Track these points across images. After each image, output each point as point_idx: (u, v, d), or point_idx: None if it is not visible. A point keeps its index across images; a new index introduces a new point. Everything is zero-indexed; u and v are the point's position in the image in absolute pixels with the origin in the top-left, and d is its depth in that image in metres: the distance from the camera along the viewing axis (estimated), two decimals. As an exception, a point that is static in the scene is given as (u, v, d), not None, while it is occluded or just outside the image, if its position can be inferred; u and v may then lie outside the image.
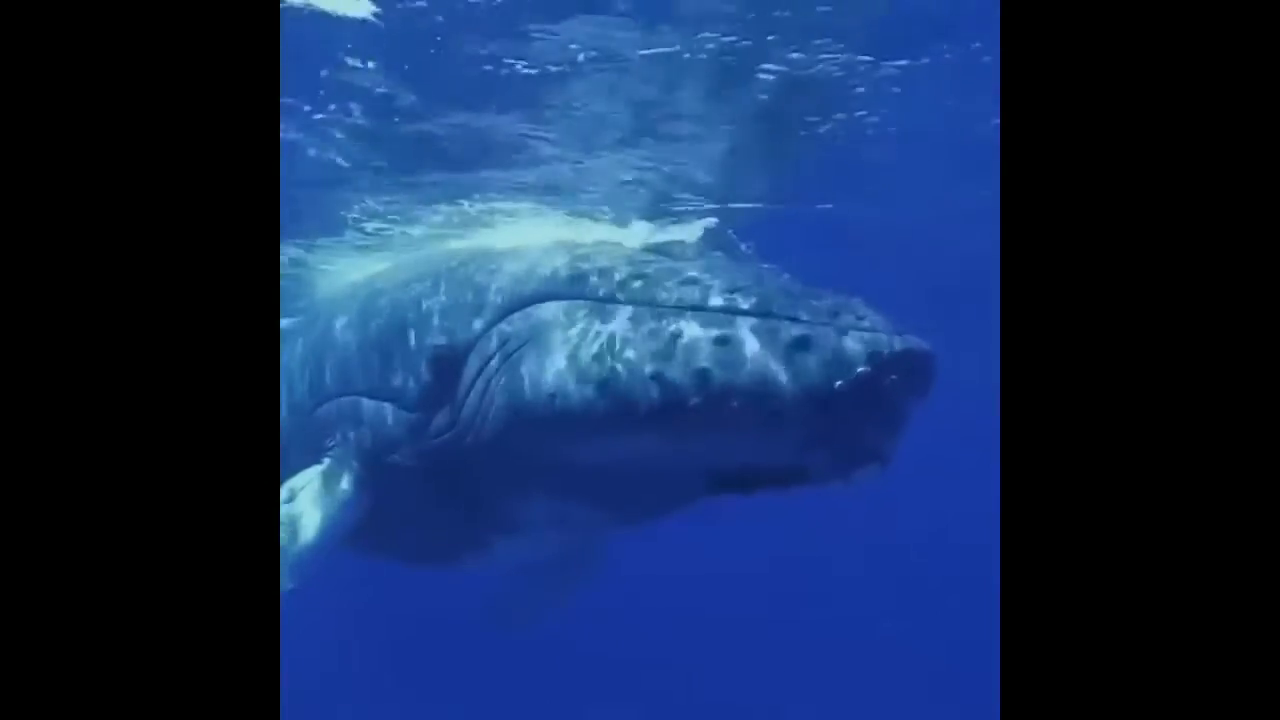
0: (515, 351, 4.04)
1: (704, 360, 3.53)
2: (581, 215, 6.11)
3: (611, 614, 7.83)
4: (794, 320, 3.51)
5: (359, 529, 4.90)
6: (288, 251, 6.82)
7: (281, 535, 4.72)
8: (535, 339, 3.99)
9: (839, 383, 3.37)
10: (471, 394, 4.19)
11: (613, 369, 3.70)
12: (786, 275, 3.84)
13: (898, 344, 3.42)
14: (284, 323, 5.87)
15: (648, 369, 3.62)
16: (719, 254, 4.35)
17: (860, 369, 3.37)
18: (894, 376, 3.40)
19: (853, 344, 3.41)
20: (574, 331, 3.89)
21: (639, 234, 6.02)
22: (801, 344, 3.44)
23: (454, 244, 6.27)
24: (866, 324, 3.48)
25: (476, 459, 4.28)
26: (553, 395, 3.84)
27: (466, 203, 5.90)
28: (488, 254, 4.62)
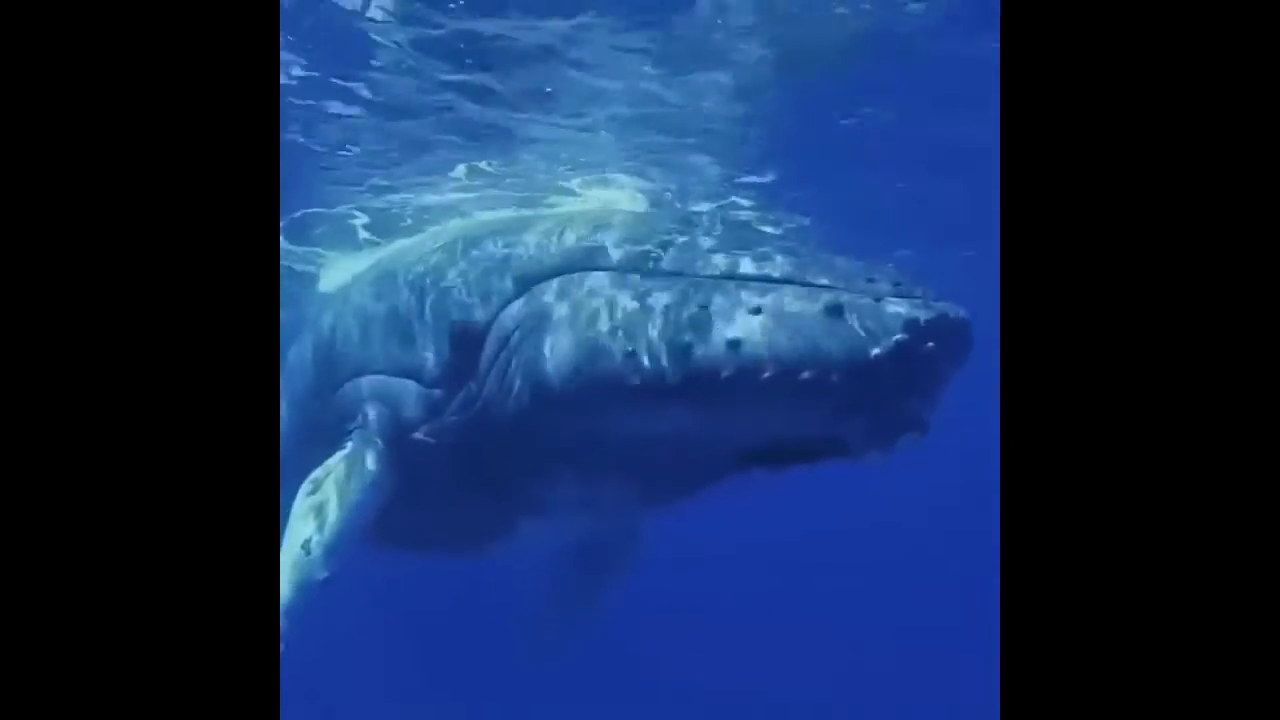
0: (537, 325, 3.94)
1: (734, 330, 3.44)
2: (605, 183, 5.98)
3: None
4: (827, 288, 3.42)
5: (380, 520, 4.82)
6: (301, 244, 6.75)
7: (310, 525, 4.69)
8: (558, 312, 3.90)
9: (875, 351, 3.28)
10: (494, 369, 4.10)
11: (639, 341, 3.60)
12: (816, 243, 3.74)
13: (934, 311, 3.34)
14: (299, 307, 5.80)
15: (675, 341, 3.53)
16: (747, 223, 4.25)
17: (896, 337, 3.28)
18: (931, 344, 3.32)
19: (888, 311, 3.32)
20: (598, 303, 3.78)
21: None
22: (835, 312, 3.35)
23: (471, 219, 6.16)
24: (902, 290, 3.39)
25: (500, 436, 4.19)
26: (577, 369, 3.75)
27: (485, 163, 5.74)
28: (508, 225, 4.52)
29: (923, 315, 3.30)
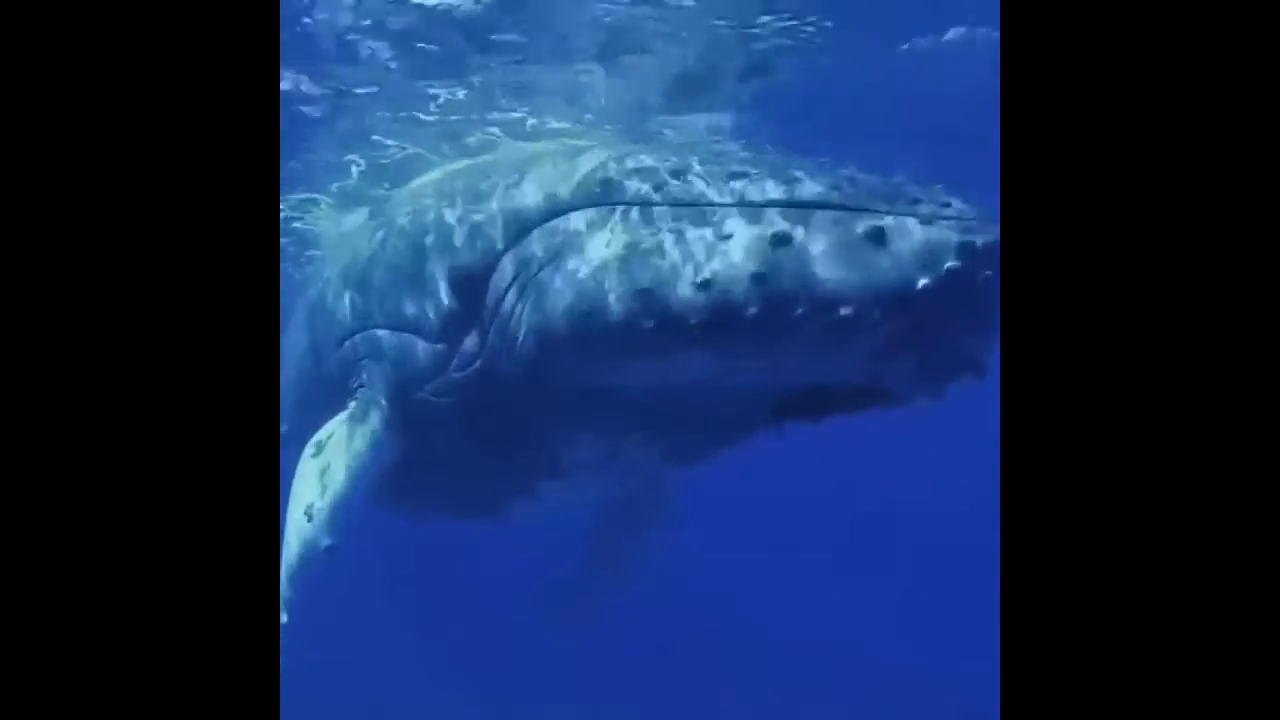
0: (543, 268, 3.58)
1: (760, 263, 3.05)
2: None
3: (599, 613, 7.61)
4: (866, 210, 3.00)
5: (396, 484, 4.61)
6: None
7: (312, 489, 4.48)
8: (564, 252, 3.53)
9: (924, 281, 2.88)
10: (498, 318, 3.76)
11: (654, 279, 3.22)
12: (852, 165, 3.30)
13: (991, 234, 2.92)
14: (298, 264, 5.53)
15: (695, 277, 3.14)
16: (769, 146, 3.82)
17: (948, 264, 2.88)
18: (988, 272, 2.90)
19: (938, 235, 2.92)
20: (608, 240, 3.40)
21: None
22: (876, 237, 2.94)
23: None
24: (953, 212, 2.97)
25: (509, 391, 3.88)
26: (587, 314, 3.39)
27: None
28: (510, 163, 4.15)
29: (979, 239, 2.90)
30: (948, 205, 3.00)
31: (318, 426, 4.72)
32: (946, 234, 2.91)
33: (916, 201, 3.00)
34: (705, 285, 3.11)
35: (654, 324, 3.22)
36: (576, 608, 7.39)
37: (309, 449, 4.61)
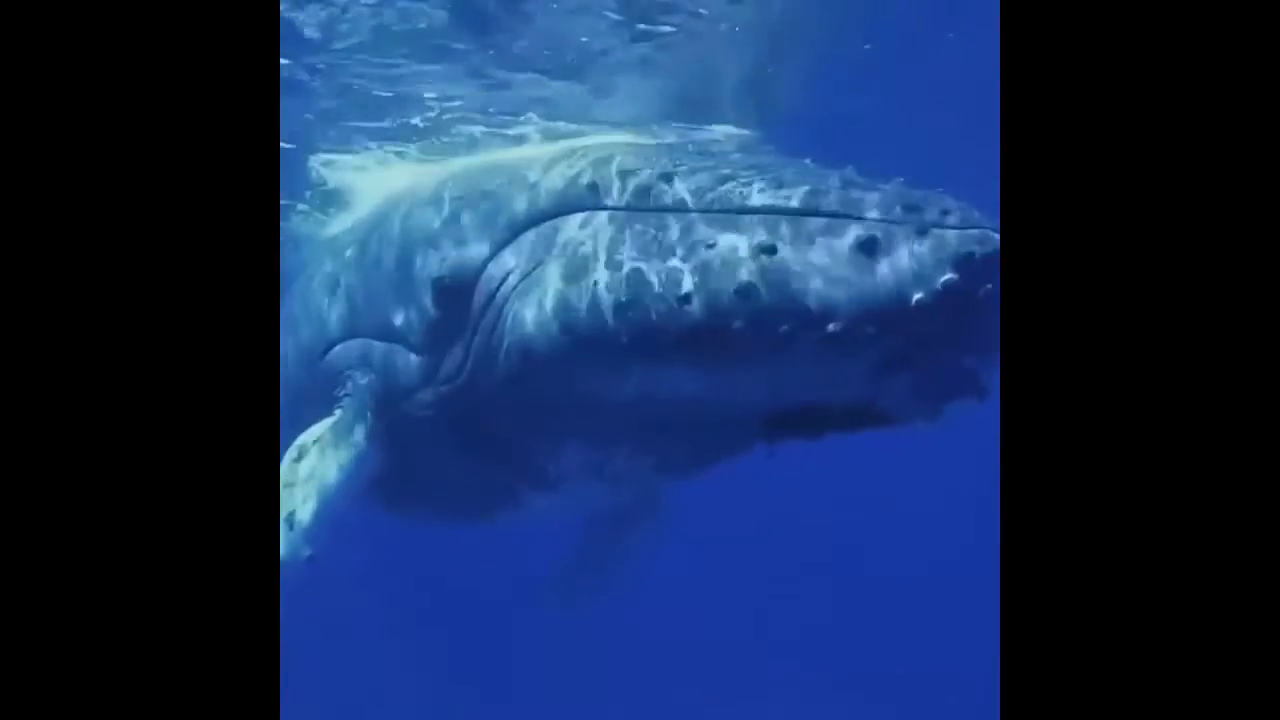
0: (526, 277, 3.46)
1: (746, 274, 2.89)
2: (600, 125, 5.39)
3: (598, 618, 7.48)
4: (858, 219, 2.82)
5: (381, 489, 4.52)
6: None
7: (293, 498, 4.37)
8: (548, 261, 3.40)
9: (918, 295, 2.71)
10: (481, 329, 3.64)
11: (636, 290, 3.08)
12: (849, 168, 3.12)
13: (992, 245, 2.73)
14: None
15: (678, 288, 2.99)
16: (767, 148, 3.64)
17: (945, 277, 2.70)
18: (989, 286, 2.72)
19: (935, 246, 2.74)
20: (591, 249, 3.27)
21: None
22: (868, 247, 2.76)
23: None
24: (952, 220, 2.78)
25: (491, 404, 3.76)
26: (568, 326, 3.27)
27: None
28: (495, 167, 4.03)
29: (978, 250, 2.70)
30: (948, 213, 2.81)
31: (304, 430, 4.64)
32: (944, 245, 2.73)
33: (913, 209, 2.81)
34: (687, 299, 2.97)
35: (634, 338, 3.10)
36: (572, 603, 7.30)
37: (290, 453, 4.51)
